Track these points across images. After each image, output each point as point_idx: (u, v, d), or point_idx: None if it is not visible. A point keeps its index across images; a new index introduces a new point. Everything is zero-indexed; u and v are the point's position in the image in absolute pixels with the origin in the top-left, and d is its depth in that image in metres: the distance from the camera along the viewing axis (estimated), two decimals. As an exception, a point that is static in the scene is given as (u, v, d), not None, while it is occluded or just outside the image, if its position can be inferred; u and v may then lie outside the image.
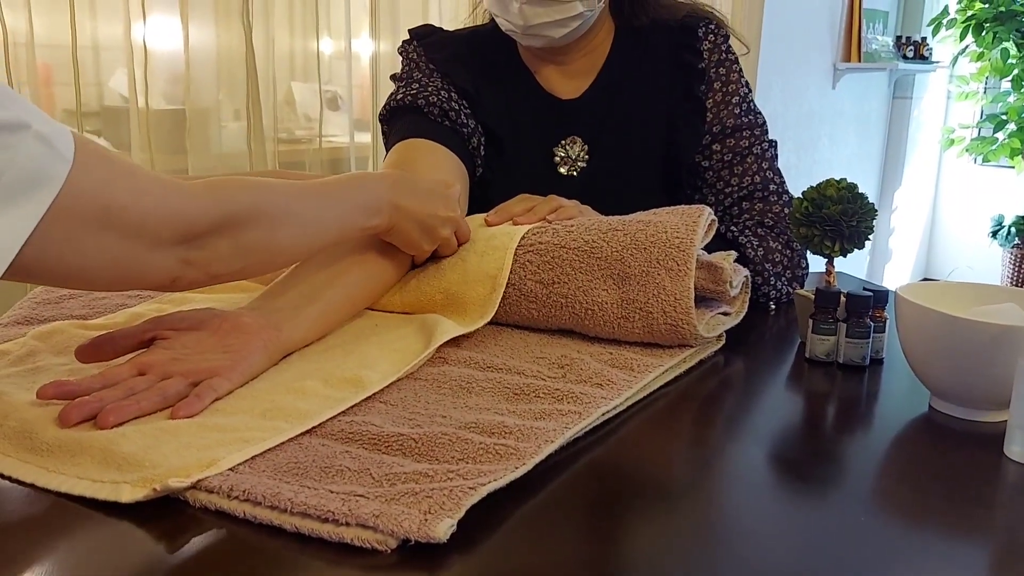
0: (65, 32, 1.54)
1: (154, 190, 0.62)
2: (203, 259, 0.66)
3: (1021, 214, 4.14)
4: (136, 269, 0.63)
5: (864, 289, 0.86)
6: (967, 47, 4.08)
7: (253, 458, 0.58)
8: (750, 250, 1.02)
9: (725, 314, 0.91)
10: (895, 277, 4.67)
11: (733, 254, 0.90)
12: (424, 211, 0.83)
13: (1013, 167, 4.18)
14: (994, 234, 4.27)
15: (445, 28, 1.19)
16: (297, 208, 0.73)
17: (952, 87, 4.61)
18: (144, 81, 1.65)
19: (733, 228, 1.06)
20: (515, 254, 0.88)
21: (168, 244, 0.64)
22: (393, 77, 1.15)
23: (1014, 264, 4.22)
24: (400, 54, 1.16)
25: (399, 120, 1.08)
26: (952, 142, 4.42)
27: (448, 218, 0.86)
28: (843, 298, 0.84)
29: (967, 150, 4.36)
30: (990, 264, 4.46)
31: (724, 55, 1.12)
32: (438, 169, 1.01)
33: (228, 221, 0.67)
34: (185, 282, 0.67)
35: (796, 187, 0.97)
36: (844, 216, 0.84)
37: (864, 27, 3.92)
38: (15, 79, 1.46)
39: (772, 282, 1.03)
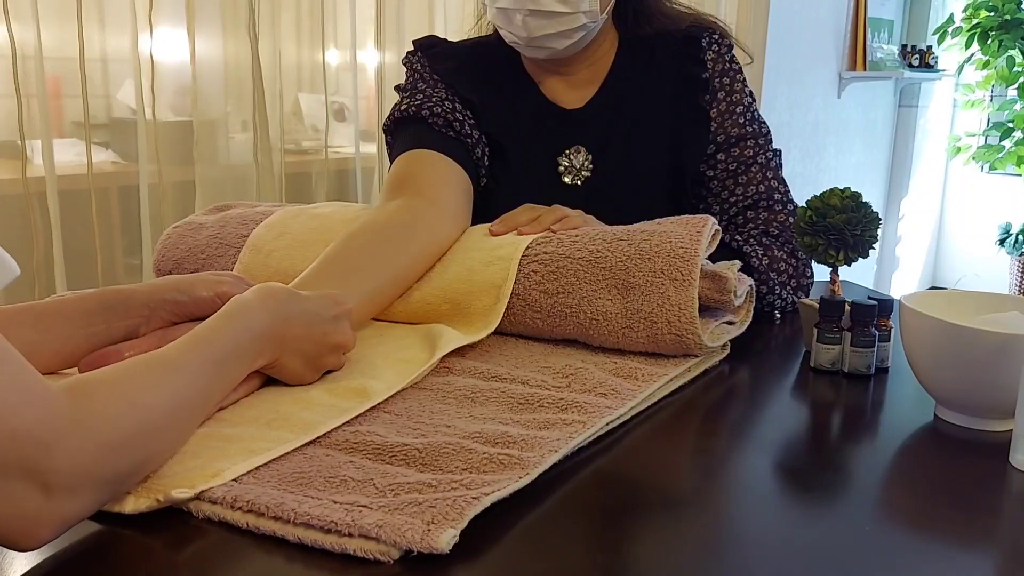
0: (73, 44, 1.55)
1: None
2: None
3: (1028, 222, 4.13)
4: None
5: (869, 298, 0.86)
6: (973, 55, 4.08)
7: (257, 468, 0.58)
8: (755, 259, 1.02)
9: (730, 323, 0.91)
10: (902, 285, 4.66)
11: (737, 263, 0.90)
12: (311, 338, 0.72)
13: (1020, 175, 4.17)
14: (1001, 242, 4.26)
15: (450, 39, 1.20)
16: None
17: (958, 95, 4.61)
18: (152, 93, 1.66)
19: (738, 237, 1.06)
20: (520, 264, 0.88)
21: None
22: (397, 88, 1.16)
23: (1022, 272, 4.20)
24: (404, 65, 1.16)
25: (403, 131, 1.09)
26: (958, 150, 4.41)
27: (337, 345, 0.75)
28: (848, 307, 0.84)
29: (973, 158, 4.35)
30: (997, 272, 4.45)
31: (728, 65, 1.12)
32: (441, 179, 1.02)
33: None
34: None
35: (803, 196, 0.97)
36: (848, 225, 0.84)
37: (869, 36, 3.92)
38: (24, 91, 1.47)
39: (777, 291, 1.03)
